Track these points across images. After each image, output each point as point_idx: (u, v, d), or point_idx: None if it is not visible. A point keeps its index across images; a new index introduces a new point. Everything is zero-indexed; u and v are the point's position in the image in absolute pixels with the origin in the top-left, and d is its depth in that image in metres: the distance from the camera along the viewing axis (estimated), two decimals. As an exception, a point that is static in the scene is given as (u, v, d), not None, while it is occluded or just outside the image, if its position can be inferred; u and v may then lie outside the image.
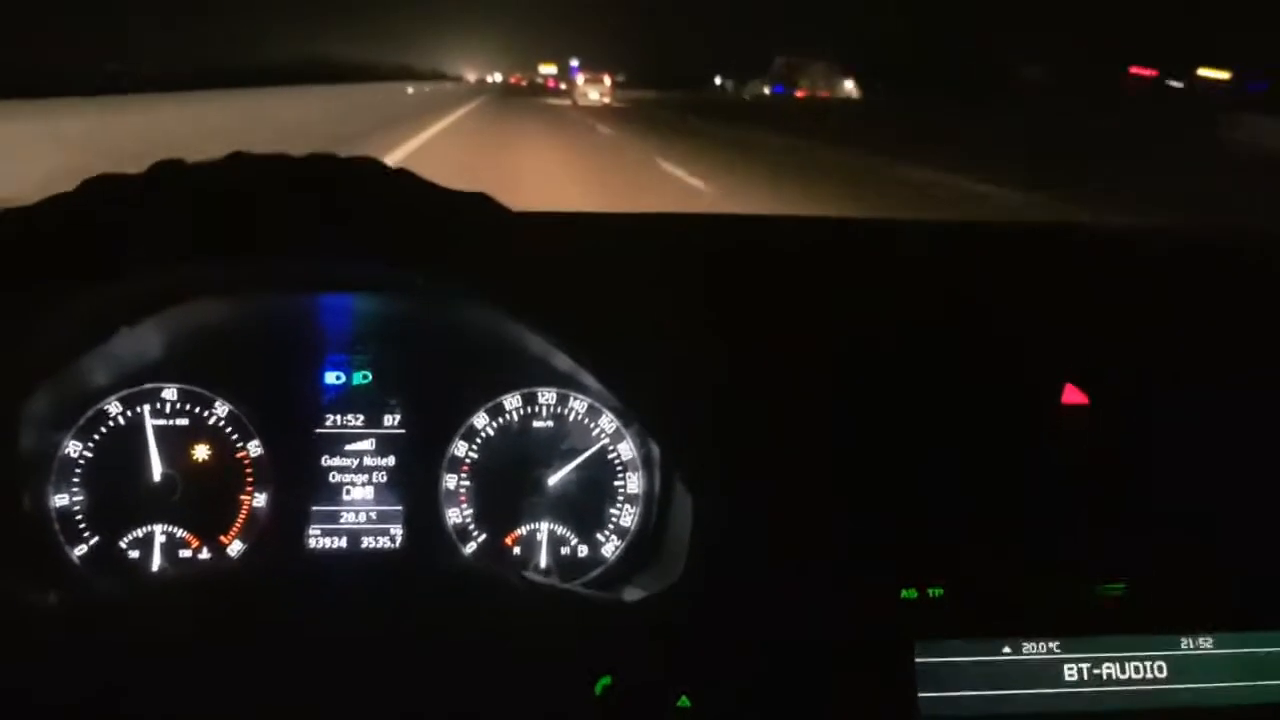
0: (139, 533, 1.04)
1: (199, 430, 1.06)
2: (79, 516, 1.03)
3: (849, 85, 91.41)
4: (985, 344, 1.05)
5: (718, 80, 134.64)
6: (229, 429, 1.06)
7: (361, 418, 1.08)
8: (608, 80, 56.20)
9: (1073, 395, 1.03)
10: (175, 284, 0.88)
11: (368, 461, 1.08)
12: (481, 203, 0.77)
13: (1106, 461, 1.01)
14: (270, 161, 0.75)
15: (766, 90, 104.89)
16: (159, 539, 1.04)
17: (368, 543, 1.07)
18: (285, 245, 0.77)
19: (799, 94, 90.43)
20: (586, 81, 55.22)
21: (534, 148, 17.43)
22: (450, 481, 1.08)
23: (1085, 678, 0.92)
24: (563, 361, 1.05)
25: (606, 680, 0.72)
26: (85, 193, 0.73)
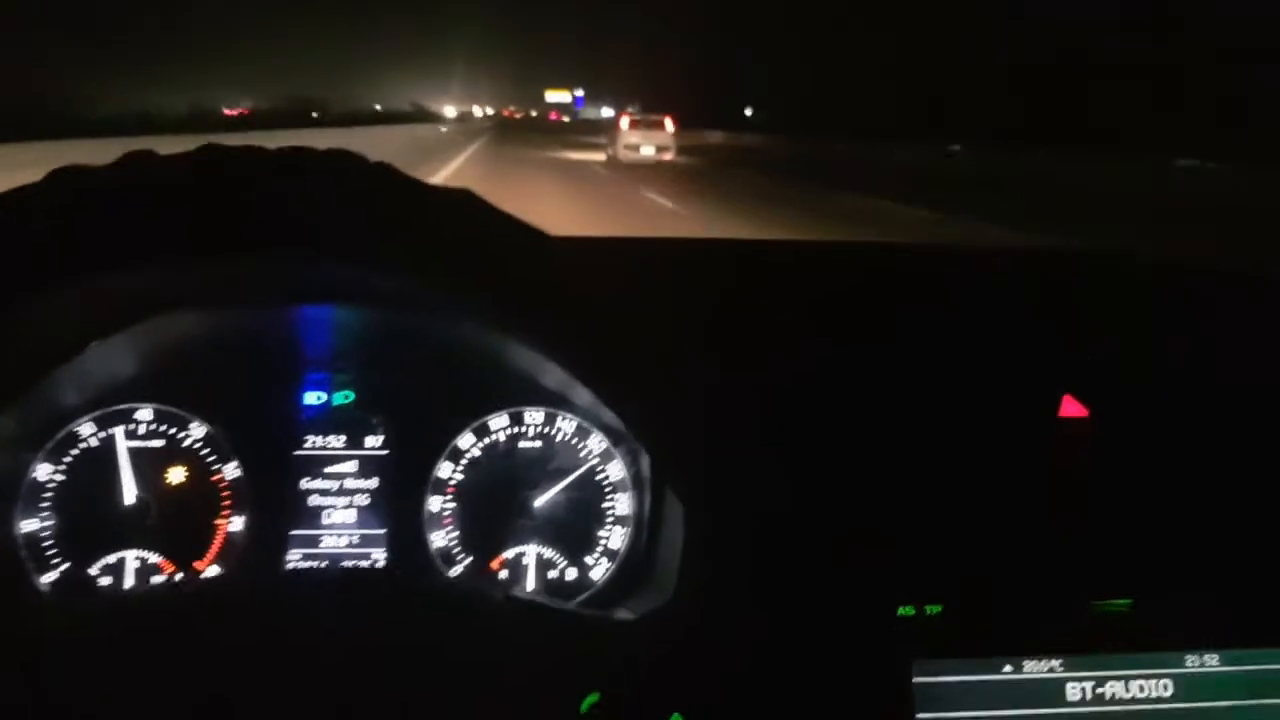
0: (111, 559, 1.01)
1: (174, 452, 1.03)
2: (48, 542, 1.00)
3: None
4: (983, 357, 1.04)
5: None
6: (205, 451, 1.03)
7: (343, 438, 1.06)
8: (670, 125, 29.84)
9: (1071, 407, 1.02)
10: (148, 290, 0.85)
11: (349, 484, 1.06)
12: (469, 201, 0.74)
13: (1107, 474, 0.99)
14: (245, 154, 0.71)
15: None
16: (131, 564, 1.01)
17: (349, 567, 1.04)
18: (264, 242, 0.72)
19: None
20: (634, 126, 29.94)
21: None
22: (434, 504, 1.06)
23: (1089, 697, 0.89)
24: (551, 379, 1.03)
25: (594, 698, 0.70)
26: (52, 185, 0.68)
